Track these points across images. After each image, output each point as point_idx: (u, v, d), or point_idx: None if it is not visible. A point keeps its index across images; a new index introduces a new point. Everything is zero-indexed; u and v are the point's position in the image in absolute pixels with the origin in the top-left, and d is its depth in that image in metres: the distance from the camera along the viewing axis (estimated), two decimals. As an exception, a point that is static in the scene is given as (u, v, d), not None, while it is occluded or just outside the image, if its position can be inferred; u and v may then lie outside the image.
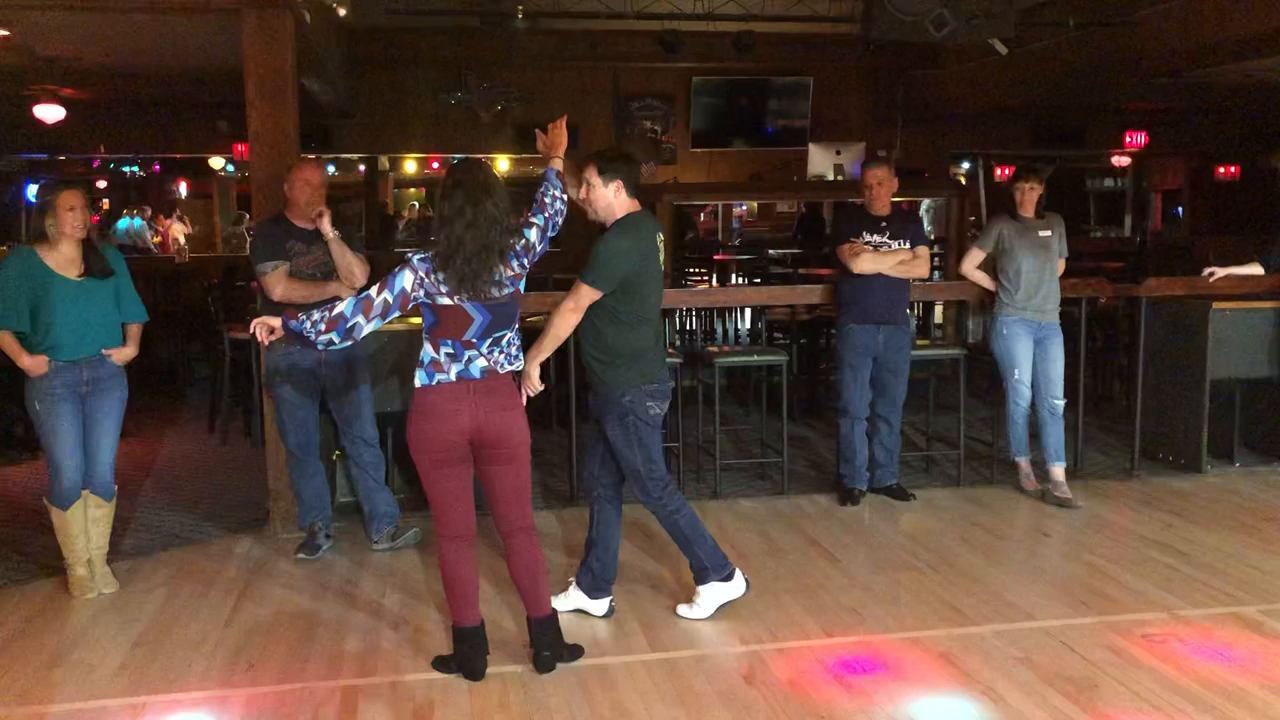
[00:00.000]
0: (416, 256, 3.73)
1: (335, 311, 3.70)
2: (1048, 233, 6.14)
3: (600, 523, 4.51)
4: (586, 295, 4.16)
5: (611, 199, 4.22)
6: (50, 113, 8.88)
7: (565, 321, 4.20)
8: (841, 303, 6.11)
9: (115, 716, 3.73)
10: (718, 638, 4.32)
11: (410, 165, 15.87)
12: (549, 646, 4.02)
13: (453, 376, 3.73)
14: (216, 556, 5.40)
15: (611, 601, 4.55)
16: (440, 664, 4.06)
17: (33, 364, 4.61)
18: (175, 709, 3.79)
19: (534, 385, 4.19)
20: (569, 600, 4.51)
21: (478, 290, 3.69)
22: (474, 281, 3.67)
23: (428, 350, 3.76)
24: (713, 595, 4.47)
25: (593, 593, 4.52)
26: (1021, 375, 6.17)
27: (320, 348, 3.83)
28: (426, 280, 3.69)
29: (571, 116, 11.73)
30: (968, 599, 4.68)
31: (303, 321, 3.71)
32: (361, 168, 14.47)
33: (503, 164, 12.73)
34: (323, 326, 3.70)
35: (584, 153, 4.49)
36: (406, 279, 3.70)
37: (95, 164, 15.77)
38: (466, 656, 3.96)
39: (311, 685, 3.94)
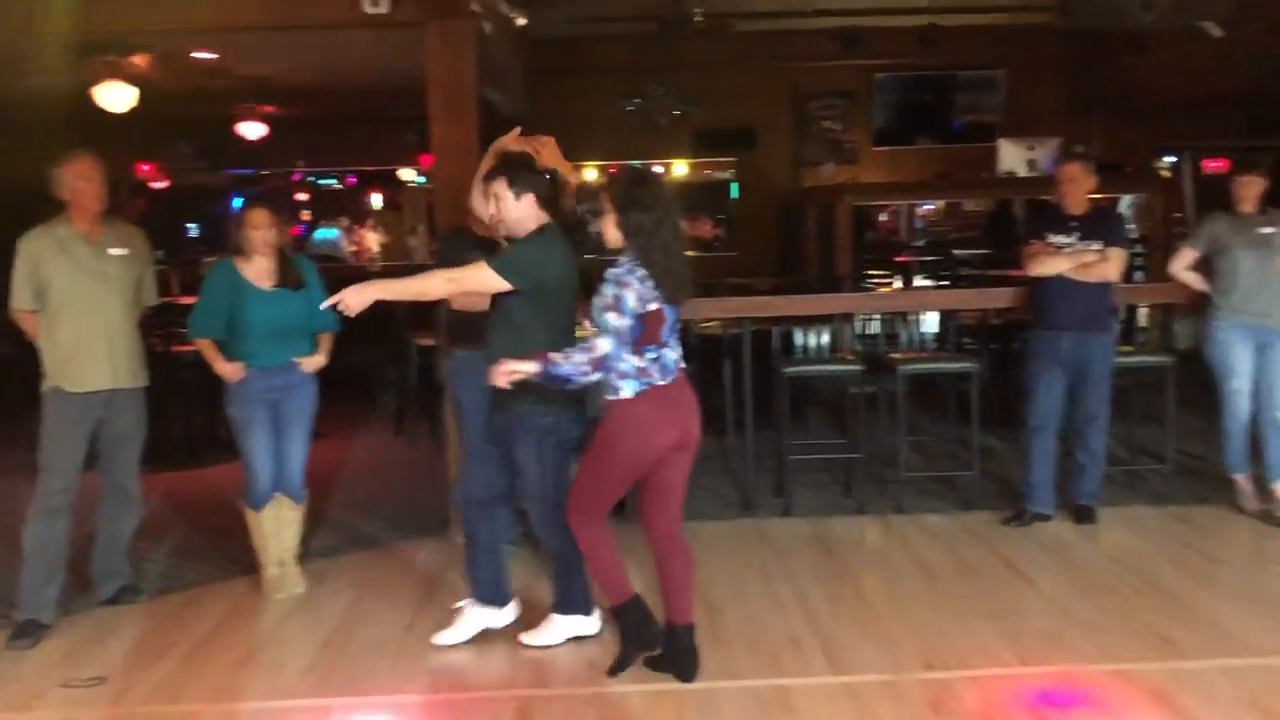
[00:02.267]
0: (625, 270, 3.73)
1: (598, 353, 3.69)
2: (1269, 230, 5.62)
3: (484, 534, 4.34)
4: (486, 279, 3.88)
5: (524, 213, 4.03)
6: (253, 130, 9.36)
7: (435, 289, 4.01)
8: (1032, 307, 5.75)
9: (301, 717, 3.82)
10: (903, 661, 4.10)
11: (590, 173, 16.06)
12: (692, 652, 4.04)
13: (661, 379, 3.80)
14: (400, 560, 5.50)
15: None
16: (620, 663, 4.08)
17: (228, 370, 4.80)
18: (357, 712, 3.86)
19: (350, 306, 3.83)
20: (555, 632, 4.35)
21: (688, 294, 3.85)
22: (687, 286, 3.84)
23: (629, 361, 3.74)
24: (569, 625, 4.35)
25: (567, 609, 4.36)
26: (1239, 384, 5.67)
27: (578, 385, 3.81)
28: (643, 291, 3.71)
29: (749, 118, 11.59)
30: (1181, 629, 4.30)
31: (562, 366, 3.69)
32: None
33: (680, 169, 12.70)
34: (589, 368, 3.70)
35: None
36: (630, 297, 3.70)
37: (296, 177, 16.61)
38: (639, 625, 4.10)
39: (488, 694, 3.94)
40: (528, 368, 3.74)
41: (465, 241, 5.18)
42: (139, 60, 6.85)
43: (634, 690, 3.94)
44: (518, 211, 4.03)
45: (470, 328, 5.12)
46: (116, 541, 4.91)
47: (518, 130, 4.40)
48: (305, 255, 5.04)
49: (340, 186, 18.23)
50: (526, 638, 4.33)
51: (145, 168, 11.83)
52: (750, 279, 10.72)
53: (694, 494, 6.50)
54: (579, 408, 4.14)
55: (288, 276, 4.84)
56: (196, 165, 11.63)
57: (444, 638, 4.36)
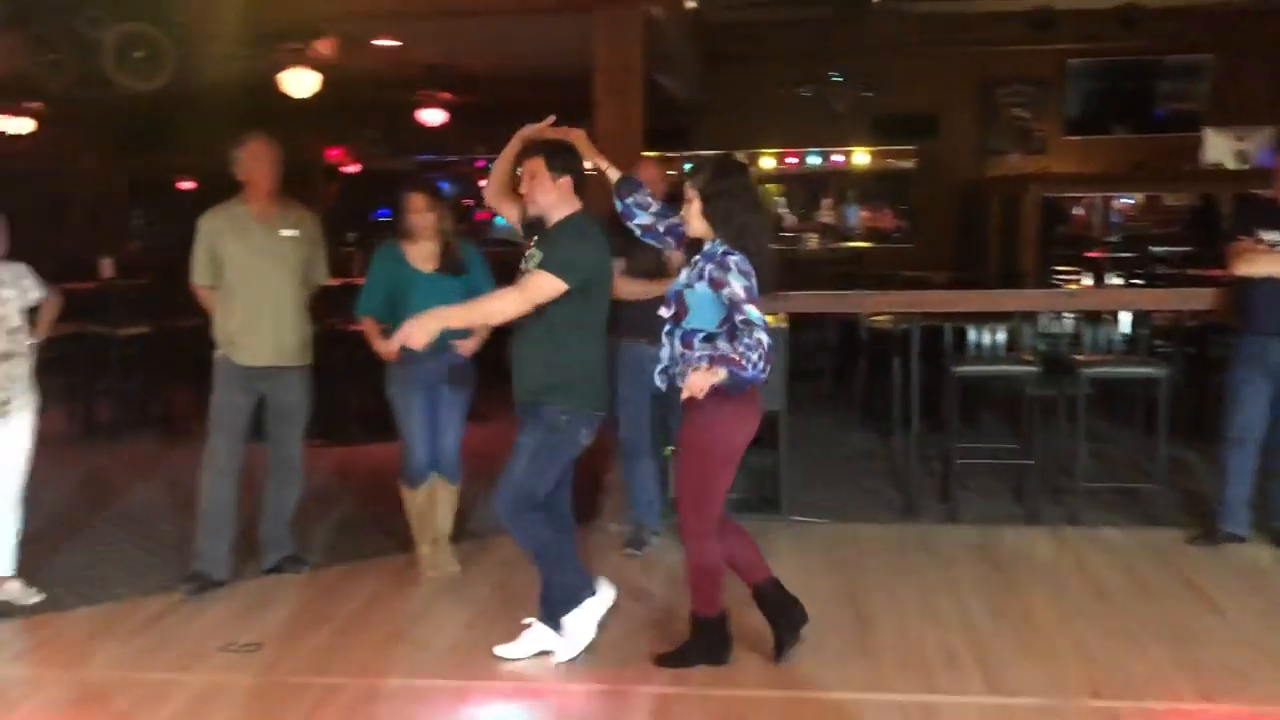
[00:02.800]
0: (735, 259, 3.67)
1: (766, 347, 3.61)
2: None
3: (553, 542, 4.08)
4: (545, 286, 3.74)
5: (559, 196, 3.91)
6: (433, 116, 9.60)
7: (508, 310, 3.81)
8: (1239, 309, 5.28)
9: (440, 697, 3.86)
10: (1068, 687, 3.81)
11: (768, 161, 15.81)
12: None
13: None
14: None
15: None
16: (676, 659, 4.01)
17: (387, 350, 4.89)
18: (494, 697, 3.86)
19: (416, 340, 3.77)
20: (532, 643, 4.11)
21: (774, 285, 3.81)
22: (775, 278, 3.81)
23: (727, 346, 3.70)
24: (579, 626, 4.08)
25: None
26: None
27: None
28: (750, 283, 3.66)
29: (931, 105, 11.12)
30: (1393, 674, 3.86)
31: (748, 371, 3.61)
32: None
33: (861, 157, 12.35)
34: (759, 363, 3.62)
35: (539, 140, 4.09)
36: (743, 285, 3.65)
37: (479, 164, 16.99)
38: (715, 645, 4.02)
39: (625, 688, 3.88)
40: (718, 375, 3.62)
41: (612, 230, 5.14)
42: (323, 46, 7.09)
43: (772, 695, 3.80)
44: (553, 194, 3.88)
45: (637, 318, 5.08)
46: (281, 512, 5.09)
47: (551, 119, 4.17)
48: (478, 241, 5.08)
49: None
50: (557, 656, 4.06)
51: (335, 153, 12.31)
52: (926, 272, 10.34)
53: (854, 495, 6.36)
54: (600, 415, 3.98)
55: (449, 261, 4.89)
56: (381, 151, 12.02)
57: (506, 650, 4.11)
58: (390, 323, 4.90)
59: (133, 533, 5.81)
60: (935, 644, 4.20)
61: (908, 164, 12.00)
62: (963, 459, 5.96)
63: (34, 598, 4.75)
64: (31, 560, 5.00)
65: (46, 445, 7.83)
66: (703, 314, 3.73)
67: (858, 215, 14.18)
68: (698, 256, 3.82)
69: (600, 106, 5.56)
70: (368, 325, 4.98)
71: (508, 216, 4.33)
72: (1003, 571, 4.99)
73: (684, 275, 3.82)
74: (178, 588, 4.85)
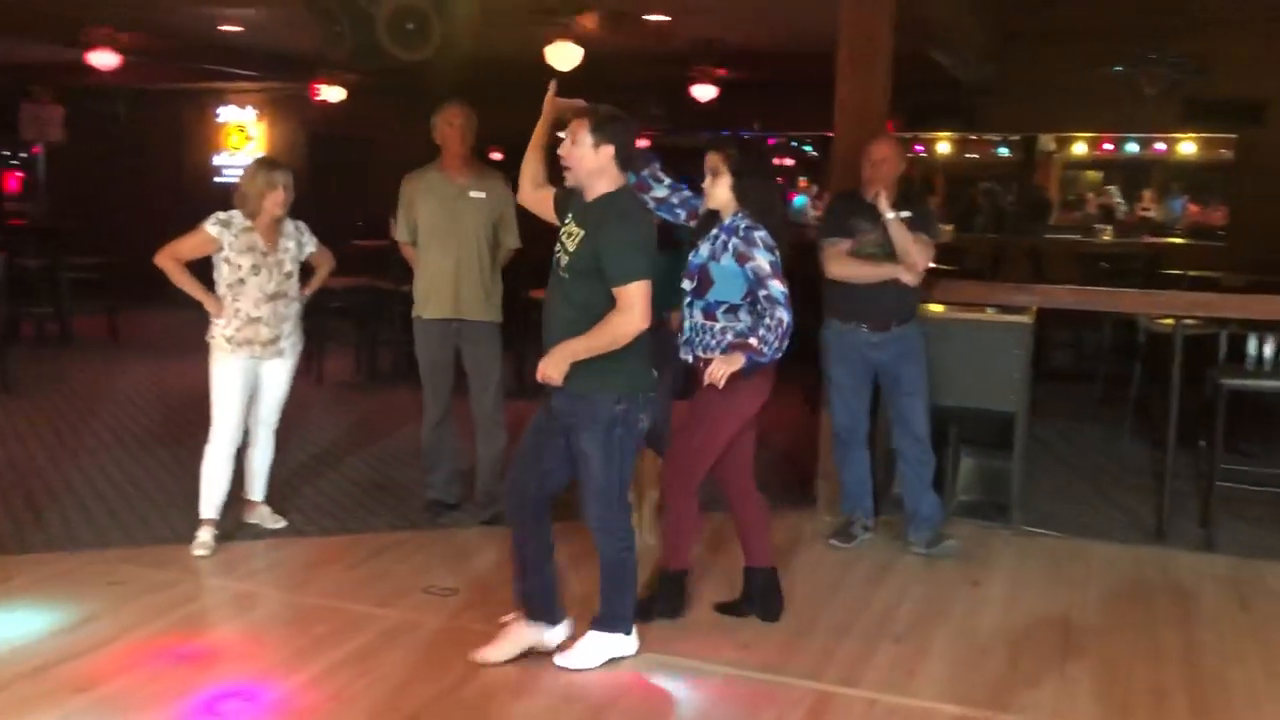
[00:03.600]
0: (760, 234, 3.84)
1: (783, 326, 3.81)
2: None
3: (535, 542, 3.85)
4: (643, 293, 3.50)
5: (597, 166, 3.58)
6: (705, 92, 9.65)
7: (632, 332, 3.51)
8: None
9: (611, 664, 3.87)
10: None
11: (1080, 146, 14.75)
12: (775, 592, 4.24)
13: None
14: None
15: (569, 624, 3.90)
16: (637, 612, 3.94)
17: None
18: (662, 670, 3.84)
19: (554, 379, 3.56)
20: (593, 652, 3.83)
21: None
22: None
23: (747, 322, 3.87)
24: (608, 645, 3.83)
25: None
26: None
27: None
28: (775, 257, 3.84)
29: (1259, 89, 9.96)
30: None
31: (765, 355, 3.81)
32: (1004, 150, 13.69)
33: (1187, 146, 11.24)
34: (776, 344, 3.81)
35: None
36: (769, 259, 3.84)
37: (771, 142, 16.88)
38: (675, 598, 4.18)
39: (789, 681, 3.75)
40: (737, 363, 3.73)
41: (852, 208, 4.94)
42: (587, 20, 7.26)
43: (946, 709, 3.56)
44: (592, 162, 3.57)
45: (853, 300, 4.91)
46: (488, 467, 5.31)
47: (554, 85, 3.99)
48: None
49: (816, 153, 18.34)
50: (562, 659, 3.81)
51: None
52: (1235, 274, 9.30)
53: (1101, 510, 5.85)
54: (651, 396, 3.72)
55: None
56: (659, 127, 12.19)
57: (486, 654, 3.82)
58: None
59: (382, 473, 6.24)
60: (1145, 679, 3.79)
61: (1226, 154, 10.83)
62: (1227, 482, 5.33)
63: (279, 523, 5.21)
64: (286, 489, 5.49)
65: (330, 387, 8.65)
66: (727, 287, 3.87)
67: (1184, 208, 13.00)
68: (717, 229, 3.93)
69: (841, 79, 5.36)
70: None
71: (544, 213, 3.96)
72: (1250, 612, 4.43)
73: (704, 248, 3.94)
74: (425, 514, 5.36)
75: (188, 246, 4.80)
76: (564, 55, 7.43)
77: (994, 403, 5.40)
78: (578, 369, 3.54)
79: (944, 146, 13.31)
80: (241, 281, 4.80)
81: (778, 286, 3.80)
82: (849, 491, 5.21)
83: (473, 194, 5.13)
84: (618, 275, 3.47)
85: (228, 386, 4.83)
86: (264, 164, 4.89)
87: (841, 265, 4.87)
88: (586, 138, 3.55)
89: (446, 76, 8.19)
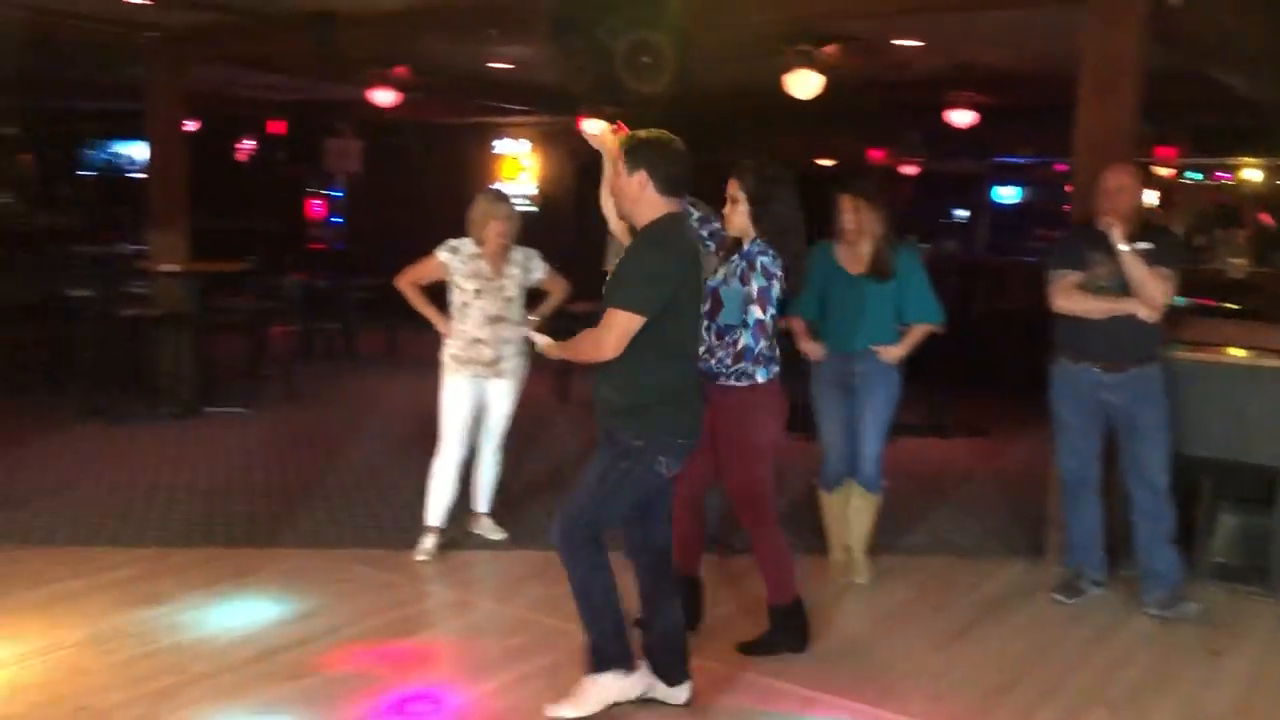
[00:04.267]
0: (771, 261, 3.92)
1: (738, 348, 3.93)
2: None
3: (647, 593, 3.70)
4: (621, 327, 3.34)
5: (637, 193, 3.45)
6: (962, 117, 9.35)
7: (598, 354, 3.40)
8: None
9: (784, 701, 3.80)
10: None
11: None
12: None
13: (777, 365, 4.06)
14: (977, 572, 5.17)
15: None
16: (761, 648, 4.11)
17: (809, 350, 4.91)
18: (838, 713, 3.72)
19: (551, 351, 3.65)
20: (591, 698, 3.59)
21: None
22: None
23: (762, 343, 3.93)
24: (605, 685, 3.57)
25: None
26: None
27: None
28: (767, 283, 3.90)
29: None
30: None
31: (713, 363, 3.95)
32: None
33: None
34: (730, 364, 3.93)
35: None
36: (777, 288, 3.95)
37: (1058, 167, 16.02)
38: (795, 631, 4.16)
39: (982, 738, 3.55)
40: (563, 351, 3.63)
41: (1086, 239, 4.63)
42: (830, 50, 7.19)
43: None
44: (630, 190, 3.46)
45: (1077, 335, 4.63)
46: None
47: (618, 124, 3.85)
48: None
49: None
50: (553, 710, 3.58)
51: (876, 153, 12.41)
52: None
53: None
54: (681, 444, 3.50)
55: (876, 265, 4.76)
56: (920, 152, 11.88)
57: (561, 710, 3.60)
58: (820, 322, 4.91)
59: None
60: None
61: None
62: None
63: (499, 535, 5.45)
64: (514, 503, 5.77)
65: (577, 405, 8.90)
66: (732, 309, 3.95)
67: None
68: (736, 256, 4.02)
69: (1081, 103, 5.03)
70: (795, 324, 4.98)
71: (616, 231, 3.94)
72: None
73: (721, 273, 4.02)
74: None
75: (422, 271, 5.15)
76: (804, 84, 7.39)
77: (1256, 455, 4.91)
78: (614, 404, 3.47)
79: (1253, 173, 12.12)
80: (466, 305, 5.10)
81: (756, 312, 3.91)
82: (1075, 543, 4.87)
83: None
84: (610, 297, 3.39)
85: (453, 403, 5.12)
86: (490, 196, 5.18)
87: (1068, 298, 4.57)
88: (623, 167, 3.48)
89: (695, 108, 8.35)
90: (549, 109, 12.76)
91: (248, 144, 15.58)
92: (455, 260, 5.09)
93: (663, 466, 3.47)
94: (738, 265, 3.98)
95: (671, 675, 3.65)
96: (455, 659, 4.08)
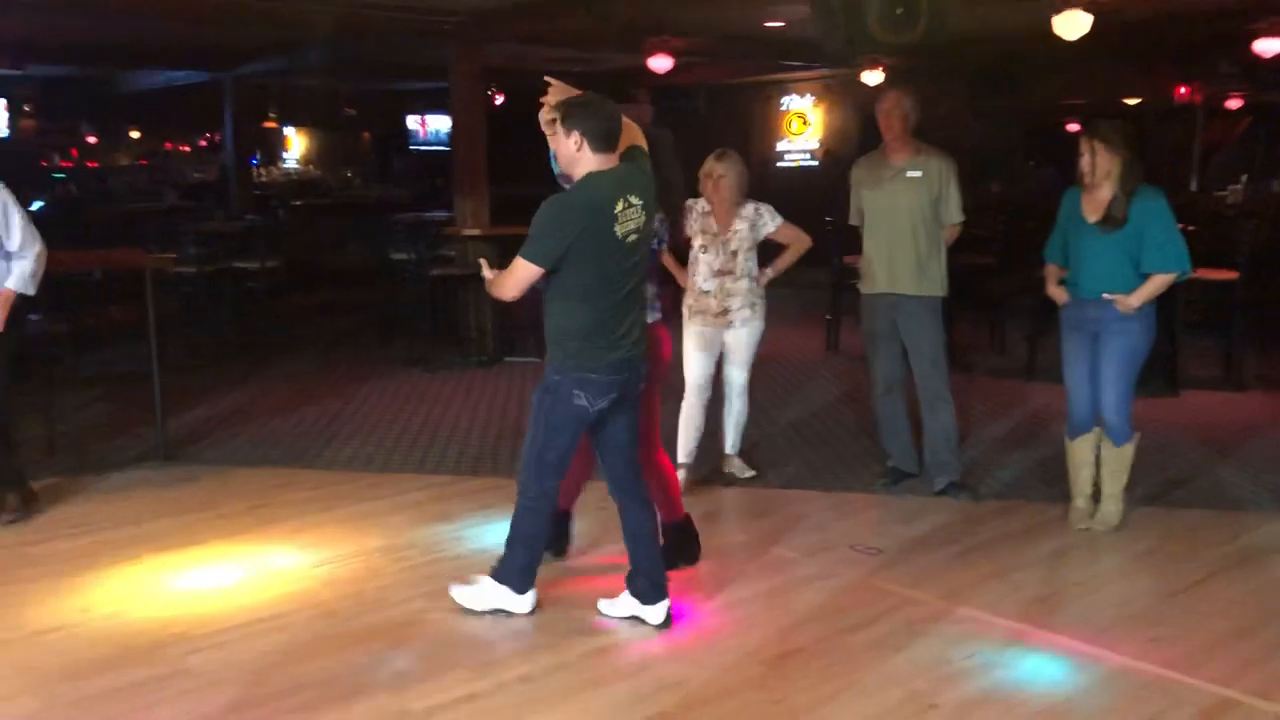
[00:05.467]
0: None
1: None
2: None
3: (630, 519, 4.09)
4: (521, 272, 3.75)
5: (574, 153, 3.73)
6: (1269, 46, 8.65)
7: (501, 293, 3.87)
8: None
9: (992, 632, 3.92)
10: None
11: None
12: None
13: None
14: (1236, 526, 5.02)
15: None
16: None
17: (1054, 294, 4.95)
18: (1045, 646, 3.81)
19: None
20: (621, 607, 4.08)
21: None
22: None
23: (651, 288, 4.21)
24: (497, 595, 4.07)
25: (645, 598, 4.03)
26: None
27: None
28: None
29: None
30: None
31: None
32: None
33: None
34: None
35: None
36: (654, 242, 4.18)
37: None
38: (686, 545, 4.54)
39: (1189, 682, 3.54)
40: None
41: None
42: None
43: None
44: (566, 151, 3.75)
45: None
46: (935, 439, 5.45)
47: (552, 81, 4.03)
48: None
49: None
50: (455, 589, 4.14)
51: (1183, 90, 11.57)
52: None
53: None
54: (594, 377, 3.78)
55: (1109, 213, 4.67)
56: (1234, 86, 10.98)
57: (460, 594, 4.14)
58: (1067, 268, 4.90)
59: (858, 437, 6.58)
60: None
61: None
62: None
63: (748, 473, 5.81)
64: (767, 444, 6.12)
65: (838, 357, 9.08)
66: None
67: None
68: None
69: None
70: (1048, 270, 5.00)
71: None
72: None
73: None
74: (876, 483, 5.63)
75: None
76: (1072, 24, 7.11)
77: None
78: (546, 344, 3.88)
79: None
80: (696, 259, 5.47)
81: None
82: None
83: (909, 174, 5.32)
84: (523, 246, 3.73)
85: (688, 348, 5.53)
86: (714, 155, 5.47)
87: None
88: (560, 129, 3.74)
89: (975, 57, 8.22)
90: (832, 63, 12.83)
91: (548, 114, 16.63)
92: (689, 218, 5.46)
93: (581, 399, 3.80)
94: None
95: (647, 597, 4.03)
96: (688, 578, 4.47)
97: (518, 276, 3.77)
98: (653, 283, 4.28)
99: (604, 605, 4.12)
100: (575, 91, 3.92)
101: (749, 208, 5.52)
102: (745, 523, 5.26)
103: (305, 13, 8.54)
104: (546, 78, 4.03)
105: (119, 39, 11.46)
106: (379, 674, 3.62)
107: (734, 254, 5.45)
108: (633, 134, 3.94)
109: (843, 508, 5.38)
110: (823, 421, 7.05)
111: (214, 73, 14.02)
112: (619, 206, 3.70)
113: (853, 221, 5.61)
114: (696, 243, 5.50)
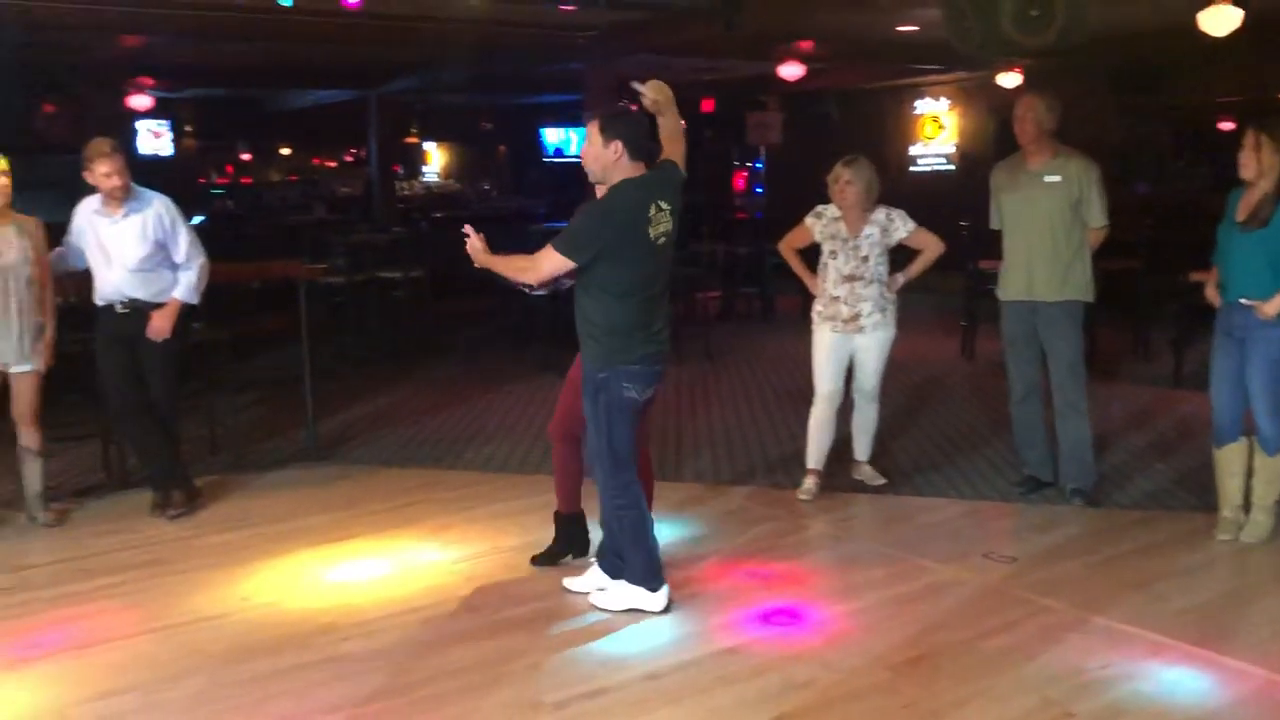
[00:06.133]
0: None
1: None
2: None
3: None
4: (552, 262, 3.95)
5: (610, 161, 3.96)
6: None
7: (524, 278, 4.11)
8: None
9: (1131, 646, 3.82)
10: None
11: None
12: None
13: None
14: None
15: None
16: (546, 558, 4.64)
17: (1210, 295, 4.86)
18: (1187, 659, 3.71)
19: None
20: (588, 581, 4.36)
21: None
22: None
23: None
24: (630, 596, 4.19)
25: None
26: None
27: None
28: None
29: None
30: None
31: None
32: None
33: None
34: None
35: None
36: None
37: None
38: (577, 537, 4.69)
39: (1342, 700, 3.40)
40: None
41: None
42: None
43: None
44: (604, 158, 3.96)
45: None
46: (1065, 446, 5.37)
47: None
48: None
49: None
50: (595, 597, 4.27)
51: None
52: None
53: None
54: (637, 368, 4.01)
55: (1255, 213, 4.52)
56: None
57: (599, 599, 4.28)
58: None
59: (996, 445, 6.47)
60: None
61: None
62: None
63: (878, 481, 5.78)
64: (900, 451, 6.11)
65: (982, 364, 8.91)
66: None
67: None
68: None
69: None
70: (1211, 271, 4.88)
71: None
72: None
73: None
74: (1013, 491, 5.57)
75: (794, 236, 5.64)
76: (1220, 20, 6.84)
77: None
78: (582, 343, 4.07)
79: None
80: (825, 265, 5.49)
81: None
82: None
83: (1047, 178, 5.22)
84: (556, 238, 3.96)
85: (818, 355, 5.55)
86: (842, 161, 5.46)
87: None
88: (598, 136, 3.96)
89: (1116, 55, 7.98)
90: (967, 66, 12.61)
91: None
92: (819, 224, 5.49)
93: (631, 391, 4.03)
94: None
95: (618, 572, 4.25)
96: (819, 583, 4.50)
97: (547, 265, 3.98)
98: None
99: (569, 582, 4.42)
100: (668, 89, 4.25)
101: (880, 213, 5.50)
102: (876, 530, 5.26)
103: (445, 32, 8.87)
104: (633, 83, 4.25)
105: (270, 62, 12.08)
106: (513, 667, 3.76)
107: (864, 259, 5.44)
108: (675, 149, 4.24)
109: (976, 515, 5.33)
110: (957, 428, 6.96)
111: (359, 91, 14.63)
112: (651, 211, 3.97)
113: (993, 226, 5.54)
114: (826, 248, 5.52)
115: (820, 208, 5.53)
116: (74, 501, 5.69)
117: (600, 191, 4.10)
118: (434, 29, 8.82)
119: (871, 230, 5.47)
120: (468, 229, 4.19)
